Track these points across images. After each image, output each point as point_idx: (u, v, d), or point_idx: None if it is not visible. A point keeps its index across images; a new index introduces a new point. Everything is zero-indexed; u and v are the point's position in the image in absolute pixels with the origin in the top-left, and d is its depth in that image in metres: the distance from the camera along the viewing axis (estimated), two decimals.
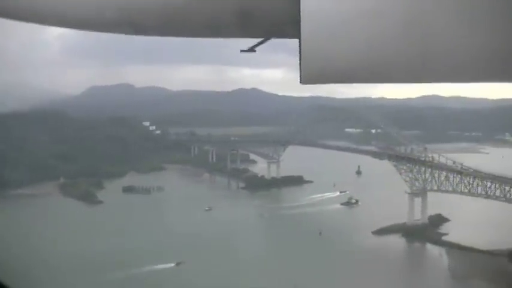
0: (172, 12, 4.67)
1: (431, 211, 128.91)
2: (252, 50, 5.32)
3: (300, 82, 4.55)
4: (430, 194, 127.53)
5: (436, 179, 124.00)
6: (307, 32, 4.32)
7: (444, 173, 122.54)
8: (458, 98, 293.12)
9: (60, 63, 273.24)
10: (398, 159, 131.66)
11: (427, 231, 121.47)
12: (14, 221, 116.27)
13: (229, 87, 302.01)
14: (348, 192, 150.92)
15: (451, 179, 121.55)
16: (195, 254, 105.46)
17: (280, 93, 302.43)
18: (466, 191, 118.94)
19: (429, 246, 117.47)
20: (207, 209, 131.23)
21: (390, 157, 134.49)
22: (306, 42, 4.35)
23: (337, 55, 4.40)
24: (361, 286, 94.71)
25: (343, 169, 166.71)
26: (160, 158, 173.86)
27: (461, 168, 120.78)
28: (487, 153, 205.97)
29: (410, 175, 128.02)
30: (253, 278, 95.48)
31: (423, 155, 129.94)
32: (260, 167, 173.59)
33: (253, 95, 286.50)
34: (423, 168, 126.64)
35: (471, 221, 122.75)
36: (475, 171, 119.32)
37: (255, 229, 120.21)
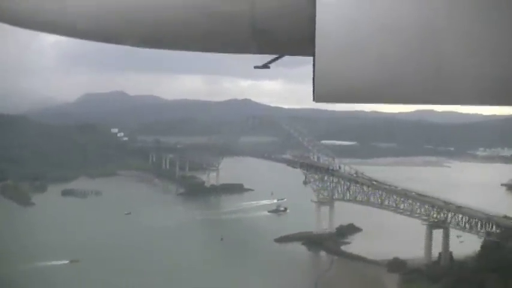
0: (185, 27, 4.76)
1: (347, 220, 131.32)
2: (265, 66, 5.43)
3: (313, 100, 4.56)
4: (354, 204, 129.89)
5: (341, 188, 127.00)
6: (322, 51, 4.36)
7: (347, 183, 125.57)
8: (451, 113, 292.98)
9: (56, 70, 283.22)
10: (308, 167, 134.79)
11: (330, 240, 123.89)
12: None
13: (223, 98, 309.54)
14: (285, 200, 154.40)
15: (351, 188, 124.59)
16: (93, 253, 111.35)
17: (272, 105, 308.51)
18: (365, 199, 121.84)
19: (322, 254, 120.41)
20: (126, 213, 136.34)
21: (302, 165, 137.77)
22: (320, 61, 4.38)
23: (351, 74, 4.42)
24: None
25: (291, 179, 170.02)
26: (117, 164, 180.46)
27: (359, 177, 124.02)
28: (449, 167, 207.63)
29: (318, 184, 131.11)
30: (141, 277, 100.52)
31: (331, 165, 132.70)
32: (211, 175, 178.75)
33: (244, 105, 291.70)
34: (331, 178, 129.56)
35: (380, 231, 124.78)
36: (370, 180, 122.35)
37: (163, 233, 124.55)
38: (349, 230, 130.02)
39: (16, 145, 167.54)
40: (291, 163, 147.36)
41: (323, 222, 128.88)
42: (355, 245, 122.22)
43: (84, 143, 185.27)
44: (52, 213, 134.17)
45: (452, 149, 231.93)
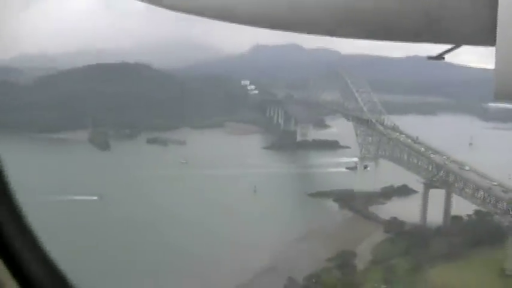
0: (351, 14, 5.00)
1: (401, 181, 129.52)
2: (440, 57, 5.64)
3: (494, 98, 4.66)
4: None
5: (378, 144, 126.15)
6: (504, 40, 4.26)
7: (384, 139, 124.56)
8: None
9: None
10: (357, 121, 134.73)
11: (362, 199, 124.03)
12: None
13: (404, 54, 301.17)
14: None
15: (389, 144, 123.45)
16: (116, 189, 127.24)
17: (472, 65, 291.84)
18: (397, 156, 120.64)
19: (342, 211, 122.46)
20: (183, 161, 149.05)
21: (353, 119, 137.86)
22: (501, 52, 4.30)
23: None
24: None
25: None
26: (229, 116, 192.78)
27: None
28: None
29: (364, 139, 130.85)
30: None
31: (379, 121, 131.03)
32: (329, 132, 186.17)
33: (424, 63, 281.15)
34: (372, 133, 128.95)
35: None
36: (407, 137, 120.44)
37: (210, 181, 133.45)
38: (399, 191, 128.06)
39: (128, 94, 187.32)
40: (345, 116, 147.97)
41: (366, 181, 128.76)
42: (388, 207, 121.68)
43: (204, 94, 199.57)
44: (117, 158, 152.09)
45: None
